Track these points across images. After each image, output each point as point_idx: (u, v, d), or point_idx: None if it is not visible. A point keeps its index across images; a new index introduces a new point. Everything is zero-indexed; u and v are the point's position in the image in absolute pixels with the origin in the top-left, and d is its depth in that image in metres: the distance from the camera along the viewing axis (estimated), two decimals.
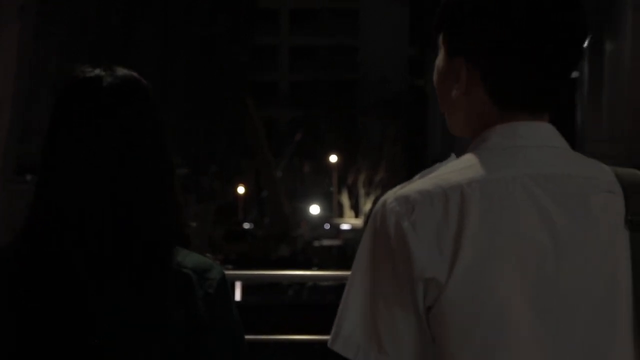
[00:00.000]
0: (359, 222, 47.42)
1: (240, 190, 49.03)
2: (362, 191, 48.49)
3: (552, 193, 1.66)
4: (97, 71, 1.94)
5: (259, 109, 40.94)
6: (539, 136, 1.71)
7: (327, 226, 47.56)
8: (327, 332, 1.77)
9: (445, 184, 1.66)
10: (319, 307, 16.79)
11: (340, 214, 49.51)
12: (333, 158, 49.75)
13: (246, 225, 42.88)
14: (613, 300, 1.66)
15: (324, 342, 1.77)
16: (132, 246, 1.88)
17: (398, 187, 1.70)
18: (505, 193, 1.65)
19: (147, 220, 1.90)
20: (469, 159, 1.71)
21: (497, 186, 1.65)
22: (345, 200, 49.47)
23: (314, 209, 51.97)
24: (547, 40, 1.70)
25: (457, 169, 1.69)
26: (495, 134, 1.71)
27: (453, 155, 1.75)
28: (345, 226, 46.61)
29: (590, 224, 1.66)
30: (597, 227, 1.67)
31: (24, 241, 1.92)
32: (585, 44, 1.74)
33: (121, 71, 1.95)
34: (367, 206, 47.81)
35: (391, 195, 1.68)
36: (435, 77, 1.84)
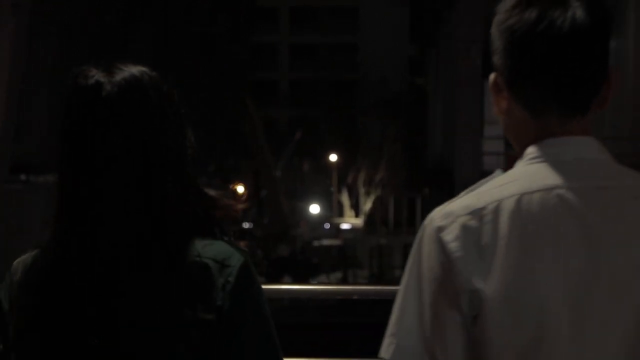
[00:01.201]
0: (358, 221, 47.33)
1: (240, 189, 48.91)
2: (362, 190, 48.37)
3: (587, 202, 1.73)
4: (97, 77, 1.91)
5: (258, 108, 40.84)
6: (578, 149, 1.79)
7: (326, 226, 47.45)
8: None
9: (486, 197, 1.75)
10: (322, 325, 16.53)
11: (340, 214, 49.40)
12: (333, 157, 49.66)
13: (245, 225, 42.79)
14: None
15: None
16: (144, 245, 1.87)
17: (446, 203, 1.79)
18: (540, 203, 1.73)
19: (156, 217, 1.88)
20: (511, 174, 1.81)
21: (532, 197, 1.73)
22: (345, 199, 49.36)
23: (314, 209, 51.87)
24: (566, 73, 1.78)
25: (500, 184, 1.78)
26: (536, 148, 1.80)
27: (498, 171, 1.84)
28: (345, 226, 46.50)
29: (625, 228, 1.73)
30: (632, 231, 1.72)
31: (46, 246, 1.94)
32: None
33: (122, 73, 1.92)
34: (367, 206, 47.74)
35: (438, 211, 1.78)
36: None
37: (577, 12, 1.77)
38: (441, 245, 1.73)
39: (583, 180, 1.75)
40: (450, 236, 1.73)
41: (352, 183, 49.18)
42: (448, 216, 1.75)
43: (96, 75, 1.91)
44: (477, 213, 1.73)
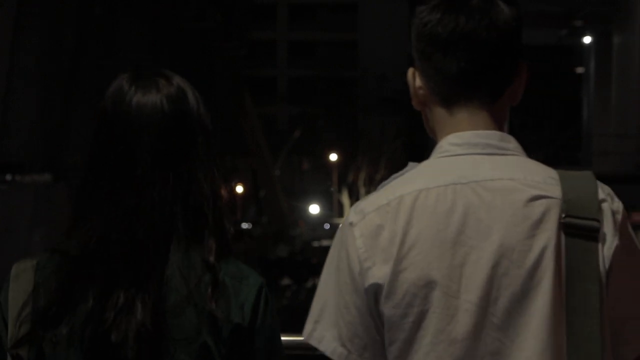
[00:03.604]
0: None
1: (238, 189, 48.71)
2: (362, 190, 48.12)
3: (482, 196, 1.80)
4: (139, 97, 1.99)
5: (256, 105, 40.61)
6: (481, 143, 1.86)
7: (327, 226, 47.25)
8: None
9: (390, 194, 1.85)
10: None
11: (341, 214, 49.21)
12: (333, 156, 49.52)
13: (244, 225, 42.49)
14: (533, 293, 1.77)
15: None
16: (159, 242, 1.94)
17: (364, 197, 1.90)
18: (436, 198, 1.81)
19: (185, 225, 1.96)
20: (419, 169, 1.90)
21: (429, 194, 1.82)
22: (345, 199, 49.14)
23: (314, 209, 51.67)
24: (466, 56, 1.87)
25: (406, 180, 1.87)
26: (445, 142, 1.90)
27: (411, 164, 1.92)
28: None
29: (516, 221, 1.78)
30: (524, 225, 1.78)
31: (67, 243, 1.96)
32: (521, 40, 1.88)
33: (165, 90, 2.01)
34: None
35: (355, 206, 1.89)
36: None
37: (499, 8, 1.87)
38: (352, 239, 1.84)
39: (481, 175, 1.82)
40: (358, 232, 1.84)
41: (353, 182, 48.96)
42: (359, 213, 1.86)
43: (137, 93, 1.99)
44: (382, 210, 1.84)
